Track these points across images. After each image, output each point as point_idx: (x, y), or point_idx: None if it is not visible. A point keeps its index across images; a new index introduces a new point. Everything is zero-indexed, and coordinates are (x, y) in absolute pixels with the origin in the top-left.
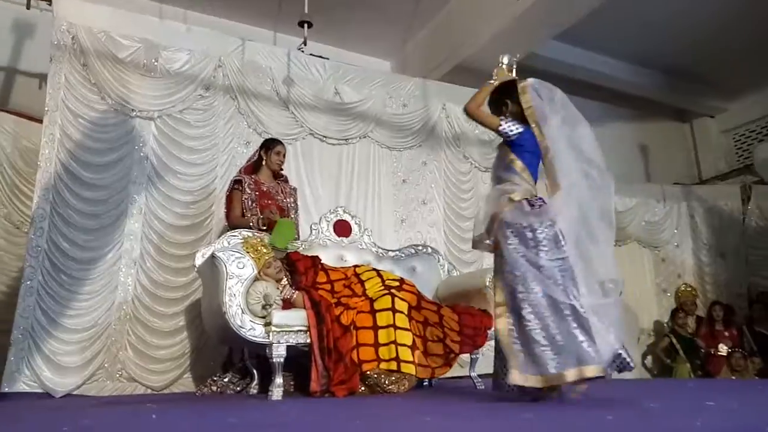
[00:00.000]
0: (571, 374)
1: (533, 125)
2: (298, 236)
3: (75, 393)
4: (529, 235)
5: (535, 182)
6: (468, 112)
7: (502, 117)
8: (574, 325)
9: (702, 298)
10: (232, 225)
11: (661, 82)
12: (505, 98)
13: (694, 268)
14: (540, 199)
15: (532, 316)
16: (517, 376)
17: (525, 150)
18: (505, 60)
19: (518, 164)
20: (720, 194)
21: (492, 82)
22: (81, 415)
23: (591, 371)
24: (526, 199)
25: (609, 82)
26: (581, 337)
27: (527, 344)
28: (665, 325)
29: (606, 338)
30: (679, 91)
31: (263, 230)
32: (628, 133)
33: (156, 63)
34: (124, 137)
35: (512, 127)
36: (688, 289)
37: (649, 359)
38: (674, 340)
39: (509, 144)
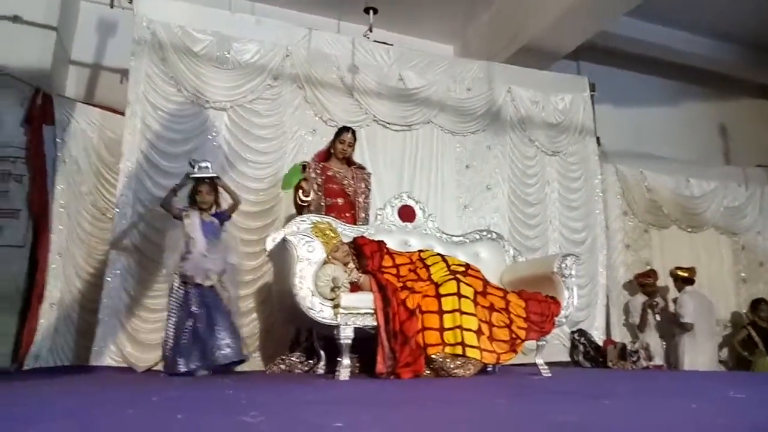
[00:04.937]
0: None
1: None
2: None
3: (155, 369)
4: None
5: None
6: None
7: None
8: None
9: None
10: (296, 207)
11: (743, 56)
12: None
13: None
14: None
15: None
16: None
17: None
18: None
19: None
20: None
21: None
22: (166, 388)
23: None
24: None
25: (686, 59)
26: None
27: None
28: (744, 315)
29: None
30: (763, 66)
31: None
32: (705, 112)
33: (228, 55)
34: (199, 128)
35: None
36: None
37: (724, 351)
38: (753, 333)
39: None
